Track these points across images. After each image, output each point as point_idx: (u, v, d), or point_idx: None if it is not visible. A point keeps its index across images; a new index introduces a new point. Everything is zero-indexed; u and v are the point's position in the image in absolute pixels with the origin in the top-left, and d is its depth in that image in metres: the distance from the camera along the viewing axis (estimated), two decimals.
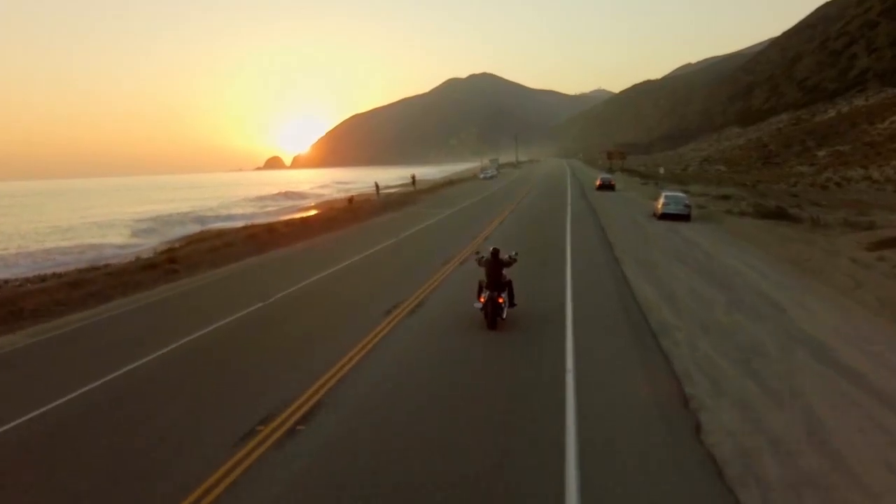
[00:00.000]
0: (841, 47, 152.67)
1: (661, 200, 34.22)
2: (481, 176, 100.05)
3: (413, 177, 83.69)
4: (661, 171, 57.84)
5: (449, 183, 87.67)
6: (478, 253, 15.51)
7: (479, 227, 31.86)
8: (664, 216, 33.21)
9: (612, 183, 60.21)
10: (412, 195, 60.32)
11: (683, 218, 32.70)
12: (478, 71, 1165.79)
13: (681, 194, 35.43)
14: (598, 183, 60.68)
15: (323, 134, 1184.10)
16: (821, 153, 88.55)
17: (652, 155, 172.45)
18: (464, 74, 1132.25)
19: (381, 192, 67.46)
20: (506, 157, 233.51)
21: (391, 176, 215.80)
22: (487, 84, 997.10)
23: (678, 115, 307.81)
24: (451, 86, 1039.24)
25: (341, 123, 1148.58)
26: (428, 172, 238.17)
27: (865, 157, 73.67)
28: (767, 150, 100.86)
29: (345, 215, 41.60)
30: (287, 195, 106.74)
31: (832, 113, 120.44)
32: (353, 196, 60.45)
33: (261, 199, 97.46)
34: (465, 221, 35.96)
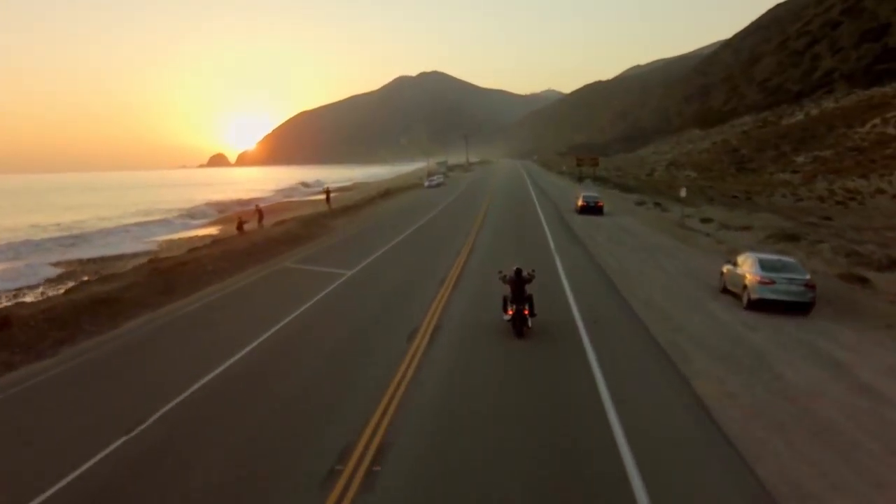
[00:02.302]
0: (802, 47, 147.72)
1: (752, 272, 18.22)
2: (426, 184, 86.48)
3: (327, 193, 59.96)
4: (683, 193, 41.94)
5: (384, 195, 70.74)
6: (500, 272, 17.09)
7: (396, 337, 15.74)
8: (763, 304, 17.74)
9: (600, 204, 45.00)
10: (320, 221, 42.88)
11: (800, 308, 17.57)
12: (428, 69, 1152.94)
13: (789, 259, 19.40)
14: (579, 203, 45.57)
15: (269, 131, 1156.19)
16: (800, 159, 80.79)
17: (611, 157, 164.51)
18: (414, 72, 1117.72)
19: (297, 201, 55.01)
20: (457, 157, 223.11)
21: (338, 176, 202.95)
22: (438, 83, 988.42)
23: (632, 116, 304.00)
24: (401, 84, 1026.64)
25: (288, 120, 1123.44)
26: (376, 173, 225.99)
27: (858, 165, 65.68)
28: (739, 154, 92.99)
29: (148, 291, 20.97)
30: (222, 205, 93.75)
31: (800, 115, 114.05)
32: (243, 221, 40.15)
33: (177, 210, 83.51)
34: (370, 311, 18.60)
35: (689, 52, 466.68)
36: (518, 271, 16.17)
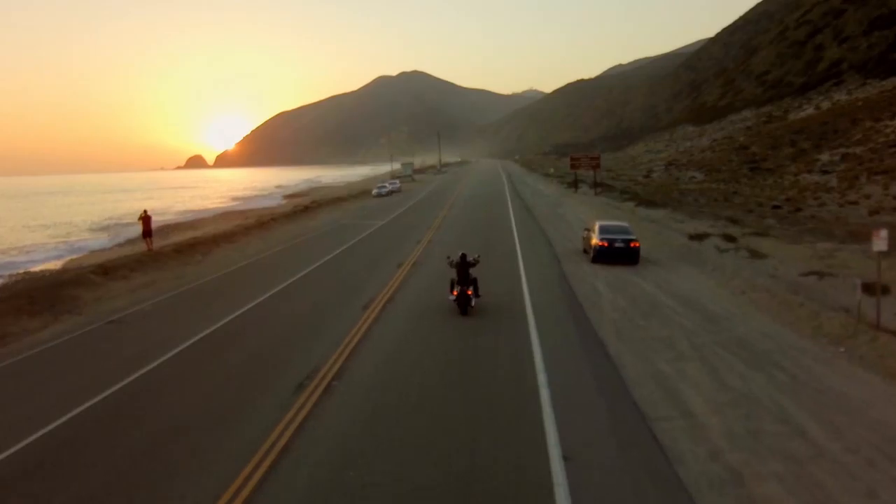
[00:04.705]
0: (803, 37, 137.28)
1: None
2: (374, 192, 70.92)
3: (145, 221, 34.98)
4: (882, 244, 15.43)
5: (301, 211, 53.23)
6: (448, 257, 19.06)
7: None
8: None
9: (635, 245, 25.28)
10: (80, 281, 24.77)
11: None
12: (408, 69, 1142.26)
13: None
14: (595, 242, 25.46)
15: (248, 132, 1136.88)
16: (824, 157, 69.17)
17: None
18: (394, 72, 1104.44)
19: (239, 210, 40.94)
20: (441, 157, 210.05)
21: (315, 176, 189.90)
22: (418, 82, 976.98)
23: (617, 114, 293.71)
24: (382, 84, 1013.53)
25: (268, 121, 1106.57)
26: (349, 175, 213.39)
27: None
28: (750, 152, 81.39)
29: None
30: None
31: (810, 109, 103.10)
32: None
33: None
34: None
35: (672, 51, 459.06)
36: (463, 256, 18.09)
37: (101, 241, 51.66)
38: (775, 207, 39.03)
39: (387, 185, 76.42)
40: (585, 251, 27.48)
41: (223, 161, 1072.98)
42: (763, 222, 30.30)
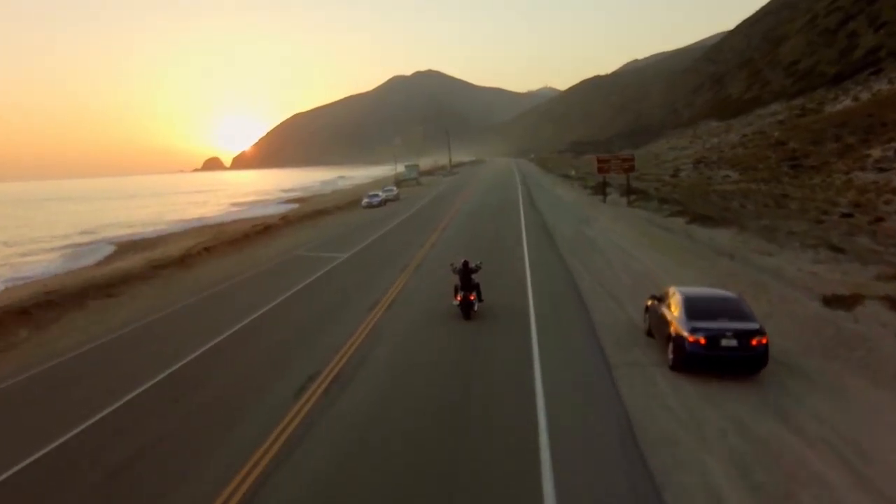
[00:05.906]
0: (835, 25, 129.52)
1: None
2: (363, 203, 63.01)
3: None
4: None
5: (260, 231, 44.74)
6: (452, 264, 19.48)
7: None
8: None
9: (761, 342, 12.90)
10: None
11: None
12: (423, 68, 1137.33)
13: None
14: (681, 332, 13.39)
15: (264, 134, 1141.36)
16: (876, 152, 62.20)
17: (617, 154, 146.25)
18: (409, 72, 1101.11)
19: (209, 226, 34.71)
20: (456, 155, 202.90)
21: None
22: (433, 81, 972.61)
23: (633, 110, 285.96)
24: (396, 83, 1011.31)
25: (283, 122, 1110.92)
26: (359, 175, 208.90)
27: None
28: (788, 148, 74.46)
29: None
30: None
31: (847, 100, 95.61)
32: None
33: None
34: None
35: (689, 45, 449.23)
36: (466, 263, 18.69)
37: (56, 263, 45.83)
38: (846, 216, 32.55)
39: (380, 193, 68.26)
40: (650, 333, 16.22)
41: (240, 163, 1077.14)
42: (857, 242, 23.85)
